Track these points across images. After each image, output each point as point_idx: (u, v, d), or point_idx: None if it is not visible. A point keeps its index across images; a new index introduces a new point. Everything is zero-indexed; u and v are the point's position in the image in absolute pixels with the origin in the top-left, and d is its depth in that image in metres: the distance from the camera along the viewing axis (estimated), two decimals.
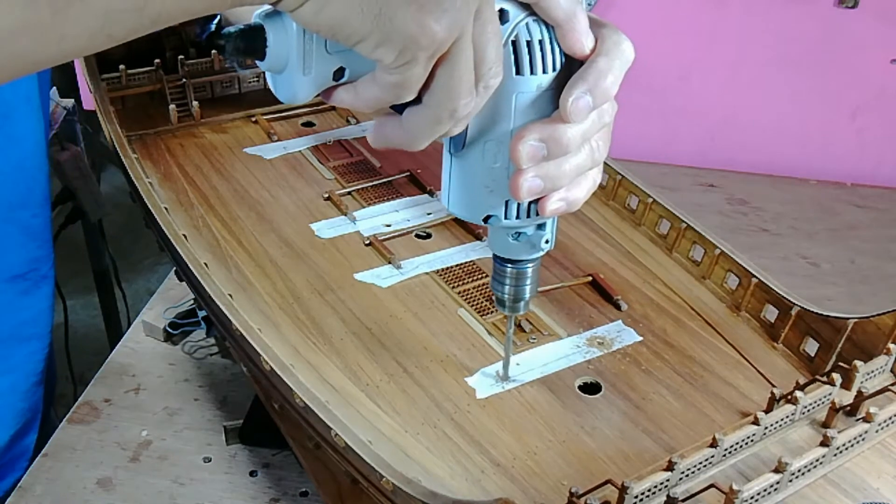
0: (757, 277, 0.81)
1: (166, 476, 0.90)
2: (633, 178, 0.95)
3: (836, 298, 1.15)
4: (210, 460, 0.92)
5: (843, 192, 1.41)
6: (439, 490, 0.57)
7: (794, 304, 0.78)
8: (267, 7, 0.45)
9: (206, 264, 0.81)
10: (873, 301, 1.14)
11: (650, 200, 0.92)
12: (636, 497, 0.57)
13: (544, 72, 0.50)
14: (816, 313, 0.77)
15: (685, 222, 0.88)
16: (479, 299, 0.84)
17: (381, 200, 0.97)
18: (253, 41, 0.45)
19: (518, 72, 0.50)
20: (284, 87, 0.47)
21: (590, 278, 0.86)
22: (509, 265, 0.60)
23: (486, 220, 0.54)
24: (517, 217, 0.53)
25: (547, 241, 0.57)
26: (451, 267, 0.88)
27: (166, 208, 0.88)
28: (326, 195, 0.97)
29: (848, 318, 0.74)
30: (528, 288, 0.60)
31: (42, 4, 0.37)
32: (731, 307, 0.84)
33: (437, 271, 0.87)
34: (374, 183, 1.00)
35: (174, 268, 1.02)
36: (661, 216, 0.91)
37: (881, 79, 1.36)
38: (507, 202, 0.53)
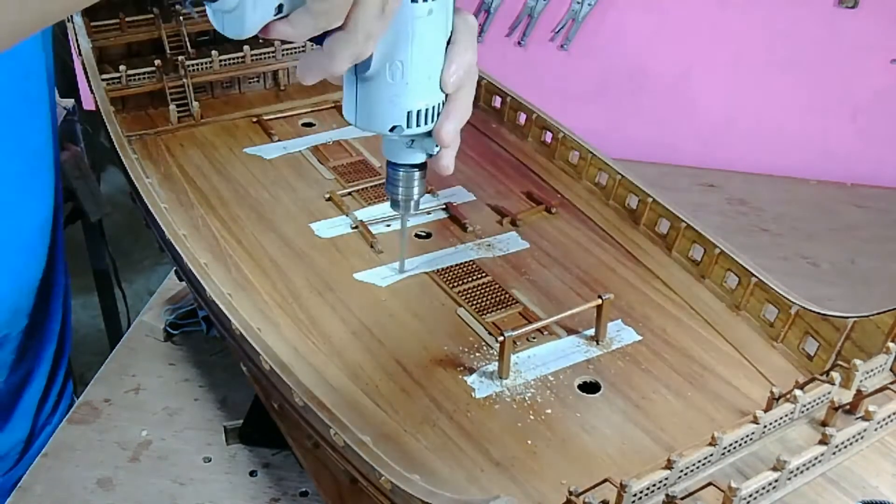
0: (756, 277, 0.81)
1: (166, 476, 0.90)
2: (633, 178, 0.95)
3: (836, 298, 1.14)
4: (210, 460, 0.91)
5: (843, 192, 1.41)
6: (438, 489, 0.57)
7: (794, 303, 0.78)
8: None
9: (205, 264, 0.82)
10: (873, 301, 1.14)
11: (650, 200, 0.92)
12: (635, 495, 0.57)
13: None
14: (816, 312, 0.77)
15: (685, 222, 0.88)
16: (478, 299, 0.84)
17: (382, 200, 0.97)
18: None
19: None
20: (233, 25, 0.54)
21: (600, 301, 0.80)
22: (402, 170, 0.68)
23: (392, 129, 0.62)
24: (417, 125, 0.62)
25: (437, 146, 0.65)
26: (451, 267, 0.88)
27: (166, 208, 0.88)
28: (328, 195, 0.97)
29: (847, 318, 0.74)
30: (416, 189, 0.69)
31: None
32: (731, 306, 0.84)
33: (437, 271, 0.87)
34: (374, 183, 1.00)
35: (174, 268, 1.02)
36: (660, 216, 0.91)
37: (881, 79, 1.36)
38: (408, 113, 0.62)
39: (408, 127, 0.62)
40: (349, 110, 0.64)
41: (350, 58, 0.56)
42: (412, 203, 0.71)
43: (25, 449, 1.07)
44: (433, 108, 0.63)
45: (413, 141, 0.66)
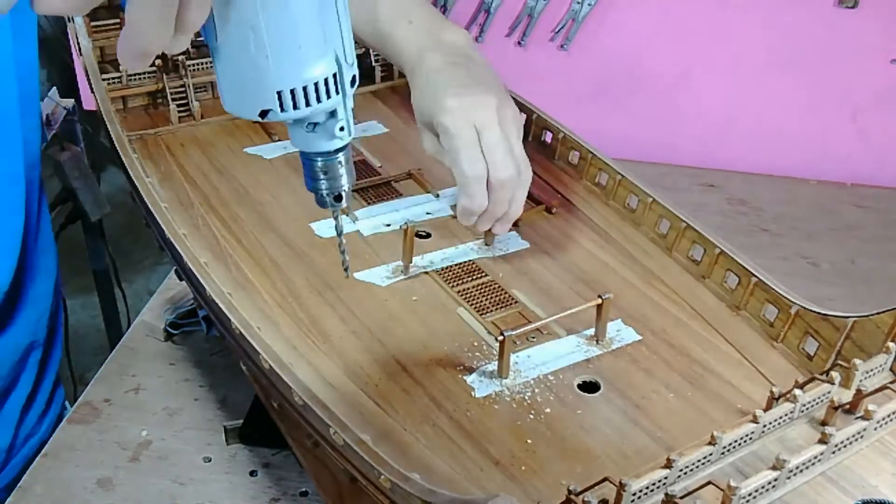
0: (757, 276, 0.81)
1: (166, 476, 0.90)
2: (633, 178, 0.95)
3: (836, 298, 1.14)
4: (210, 460, 0.92)
5: (843, 192, 1.41)
6: (438, 488, 0.57)
7: (794, 303, 0.78)
8: None
9: (205, 263, 0.82)
10: (873, 301, 1.14)
11: (650, 200, 0.92)
12: (634, 494, 0.57)
13: None
14: (816, 312, 0.77)
15: (685, 222, 0.88)
16: (478, 298, 0.84)
17: (381, 200, 0.97)
18: None
19: None
20: None
21: (600, 301, 0.81)
22: (319, 159, 0.57)
23: (263, 115, 0.51)
24: (295, 108, 0.51)
25: (342, 129, 0.55)
26: (451, 266, 0.88)
27: (166, 207, 0.88)
28: None
29: (847, 317, 0.74)
30: (343, 179, 0.58)
31: None
32: (731, 306, 0.84)
33: (437, 271, 0.87)
34: (374, 183, 1.00)
35: (174, 267, 1.02)
36: (661, 216, 0.91)
37: (881, 79, 1.36)
38: (279, 93, 0.50)
39: (282, 111, 0.51)
40: (221, 92, 0.52)
41: (158, 22, 0.44)
42: (344, 197, 0.59)
43: (7, 459, 1.06)
44: (315, 84, 0.51)
45: (314, 126, 0.54)
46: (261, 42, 0.48)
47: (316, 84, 0.50)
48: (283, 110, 0.50)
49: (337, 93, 0.52)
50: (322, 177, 0.56)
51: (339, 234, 0.66)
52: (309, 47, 0.49)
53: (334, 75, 0.51)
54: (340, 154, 0.56)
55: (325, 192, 0.58)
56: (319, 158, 0.56)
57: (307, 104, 0.51)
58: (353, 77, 0.53)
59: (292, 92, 0.50)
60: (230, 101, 0.51)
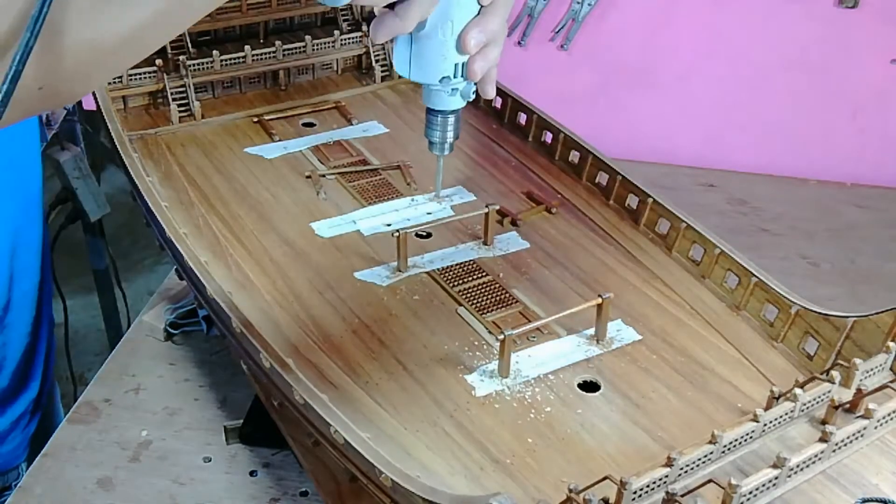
0: (756, 276, 0.81)
1: (166, 476, 0.90)
2: (633, 178, 0.95)
3: (836, 298, 1.14)
4: (210, 460, 0.91)
5: (843, 192, 1.41)
6: (438, 487, 0.57)
7: (794, 303, 0.78)
8: None
9: (206, 262, 0.82)
10: (873, 301, 1.14)
11: (650, 200, 0.92)
12: (635, 493, 0.57)
13: None
14: (816, 312, 0.77)
15: (685, 222, 0.89)
16: (478, 298, 0.84)
17: (382, 200, 0.97)
18: None
19: None
20: None
21: (600, 300, 0.80)
22: (440, 115, 0.74)
23: (441, 80, 0.70)
24: (462, 75, 0.70)
25: (474, 92, 0.73)
26: (451, 266, 0.88)
27: (167, 207, 0.88)
28: (325, 197, 0.97)
29: (847, 317, 0.74)
30: (451, 132, 0.75)
31: None
32: (731, 306, 0.84)
33: (437, 270, 0.87)
34: (374, 183, 1.00)
35: (174, 267, 1.02)
36: (660, 216, 0.92)
37: (881, 79, 1.36)
38: (455, 65, 0.69)
39: (454, 77, 0.70)
40: (402, 65, 0.71)
41: (419, 19, 0.65)
42: (447, 146, 0.77)
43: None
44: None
45: (455, 89, 0.73)
46: (454, 30, 0.68)
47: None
48: (454, 77, 0.70)
49: None
50: (439, 129, 0.75)
51: (440, 172, 0.80)
52: None
53: None
54: (453, 114, 0.75)
55: (438, 141, 0.76)
56: (441, 115, 0.75)
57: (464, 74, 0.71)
58: None
59: (464, 64, 0.70)
60: (416, 72, 0.70)
